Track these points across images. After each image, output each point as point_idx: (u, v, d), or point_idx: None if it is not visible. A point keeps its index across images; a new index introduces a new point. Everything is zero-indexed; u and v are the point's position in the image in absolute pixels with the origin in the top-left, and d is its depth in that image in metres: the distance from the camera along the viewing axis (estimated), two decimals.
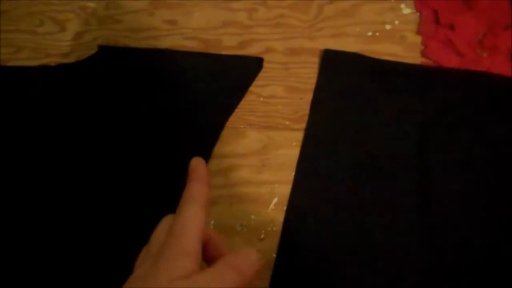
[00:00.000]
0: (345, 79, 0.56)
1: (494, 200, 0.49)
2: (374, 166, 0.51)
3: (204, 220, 0.34)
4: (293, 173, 0.52)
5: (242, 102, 0.56)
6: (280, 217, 0.50)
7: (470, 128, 0.53)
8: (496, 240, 0.47)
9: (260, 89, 0.57)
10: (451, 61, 0.57)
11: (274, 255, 0.48)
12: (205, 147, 0.53)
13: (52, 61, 0.59)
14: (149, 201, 0.50)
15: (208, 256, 0.36)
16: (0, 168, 0.53)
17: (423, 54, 0.58)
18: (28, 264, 0.48)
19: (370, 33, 0.59)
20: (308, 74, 0.57)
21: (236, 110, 0.55)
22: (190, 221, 0.34)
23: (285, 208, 0.50)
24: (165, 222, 0.36)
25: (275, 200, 0.51)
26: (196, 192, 0.36)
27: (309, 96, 0.56)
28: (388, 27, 0.60)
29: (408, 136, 0.53)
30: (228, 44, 0.60)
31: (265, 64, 0.58)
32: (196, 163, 0.38)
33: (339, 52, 0.58)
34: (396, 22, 0.60)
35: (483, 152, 0.51)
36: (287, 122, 0.54)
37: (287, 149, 0.53)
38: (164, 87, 0.57)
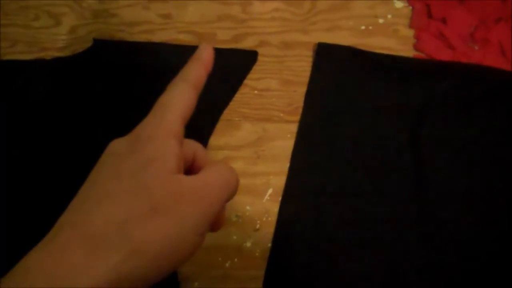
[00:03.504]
0: (339, 72, 0.57)
1: (491, 192, 0.50)
2: (367, 158, 0.52)
3: (192, 101, 0.32)
4: (288, 165, 0.52)
5: (236, 95, 0.56)
6: (275, 207, 0.50)
7: (463, 120, 0.53)
8: (495, 233, 0.48)
9: (255, 82, 0.57)
10: (443, 54, 0.57)
11: (270, 245, 0.48)
12: (200, 139, 0.53)
13: (48, 55, 0.59)
14: None
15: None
16: None
17: (416, 47, 0.58)
18: None
19: (363, 27, 0.60)
20: (302, 67, 0.58)
21: (231, 103, 0.56)
22: (176, 98, 0.31)
23: (280, 198, 0.50)
24: None
25: (270, 191, 0.51)
26: (189, 71, 0.33)
27: (303, 89, 0.56)
28: (381, 20, 0.60)
29: (401, 128, 0.53)
30: (223, 37, 0.60)
31: (259, 58, 0.58)
32: (204, 46, 0.35)
33: (333, 46, 0.58)
34: (389, 16, 0.60)
35: (476, 144, 0.52)
36: (282, 114, 0.55)
37: (282, 141, 0.54)
38: (159, 81, 0.57)
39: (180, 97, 0.31)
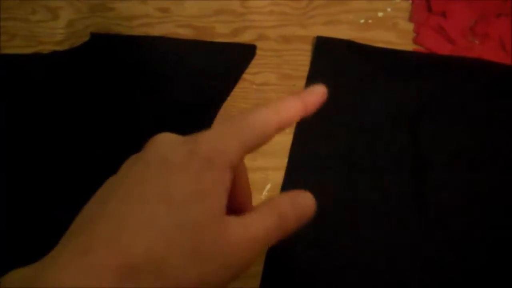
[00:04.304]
0: (338, 66, 0.56)
1: (492, 190, 0.49)
2: (366, 153, 0.52)
3: (268, 139, 0.28)
4: (286, 160, 0.52)
5: (235, 90, 0.56)
6: None
7: (462, 114, 0.53)
8: (495, 232, 0.48)
9: (253, 76, 0.57)
10: (443, 48, 0.57)
11: None
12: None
13: (45, 48, 0.59)
14: None
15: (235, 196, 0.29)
16: None
17: (415, 41, 0.58)
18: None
19: (362, 21, 0.60)
20: (300, 61, 0.57)
21: (229, 98, 0.55)
22: (258, 129, 0.27)
23: (278, 194, 0.50)
24: None
25: (269, 186, 0.51)
26: (294, 110, 0.29)
27: (301, 83, 0.56)
28: (380, 14, 0.60)
29: (401, 122, 0.53)
30: (221, 31, 0.60)
31: (258, 52, 0.58)
32: (318, 90, 0.31)
33: (332, 40, 0.58)
34: (388, 9, 0.60)
35: (476, 139, 0.52)
36: None
37: (280, 136, 0.52)
38: (157, 75, 0.57)
39: (262, 130, 0.28)
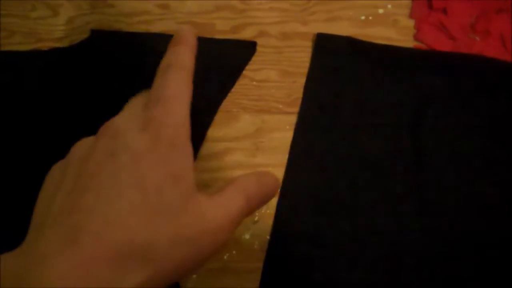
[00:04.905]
0: (338, 63, 0.56)
1: (492, 187, 0.49)
2: (367, 149, 0.52)
3: (191, 92, 0.30)
4: (287, 156, 0.52)
5: (235, 86, 0.56)
6: (273, 199, 0.50)
7: (463, 111, 0.53)
8: (496, 229, 0.48)
9: (253, 73, 0.57)
10: (443, 45, 0.57)
11: (268, 237, 0.48)
12: (199, 130, 0.53)
13: (45, 45, 0.59)
14: None
15: None
16: None
17: (416, 37, 0.58)
18: None
19: (363, 17, 0.59)
20: (301, 58, 0.57)
21: (230, 94, 0.55)
22: (184, 91, 0.29)
23: (278, 190, 0.50)
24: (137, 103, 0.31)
25: None
26: (183, 57, 0.31)
27: (302, 80, 0.56)
28: (381, 11, 0.60)
29: (401, 119, 0.53)
30: (221, 28, 0.59)
31: (258, 48, 0.58)
32: (186, 28, 0.32)
33: (332, 36, 0.58)
34: (389, 6, 0.60)
35: (476, 136, 0.52)
36: (281, 106, 0.55)
37: (281, 133, 0.53)
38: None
39: (186, 90, 0.30)
